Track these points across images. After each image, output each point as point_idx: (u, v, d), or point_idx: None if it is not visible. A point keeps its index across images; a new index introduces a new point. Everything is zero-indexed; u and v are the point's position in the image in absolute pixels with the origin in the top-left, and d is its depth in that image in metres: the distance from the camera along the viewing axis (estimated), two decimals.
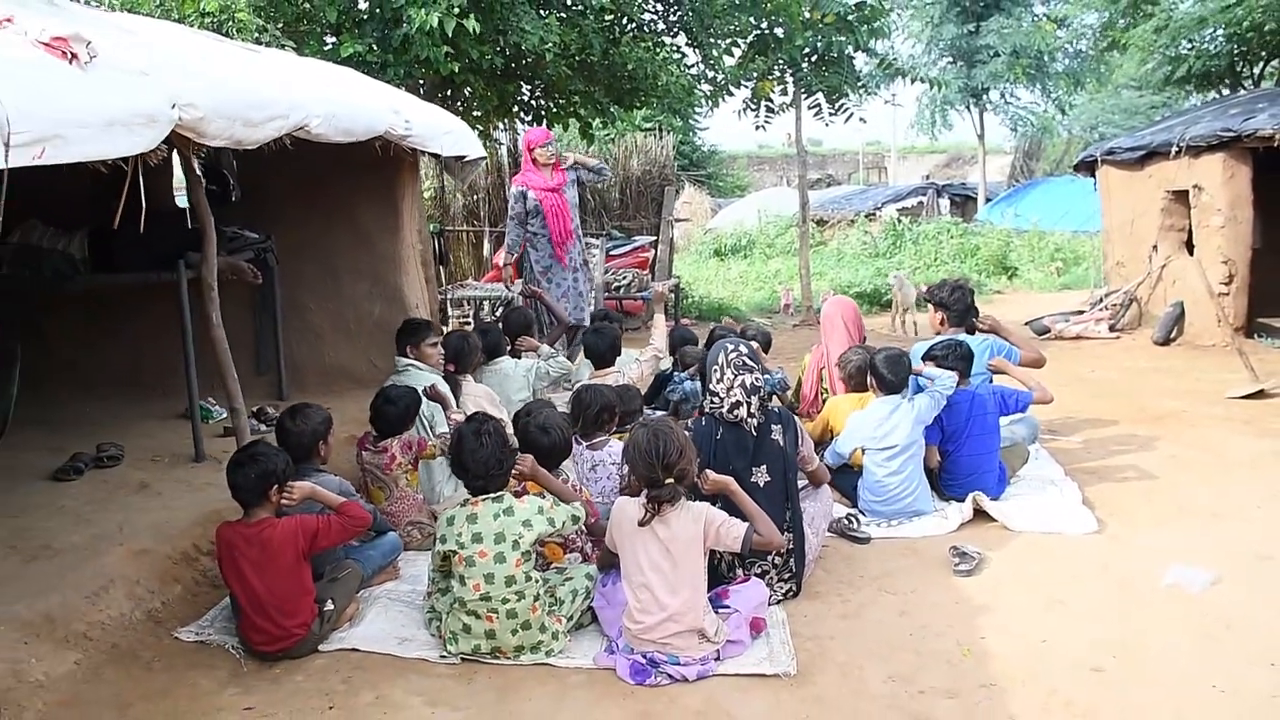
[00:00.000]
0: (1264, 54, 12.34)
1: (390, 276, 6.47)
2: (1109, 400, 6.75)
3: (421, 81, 7.84)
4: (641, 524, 3.17)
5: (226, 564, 3.33)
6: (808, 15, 10.11)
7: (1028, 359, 5.31)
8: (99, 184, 3.17)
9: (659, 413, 4.92)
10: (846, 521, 4.37)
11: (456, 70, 7.34)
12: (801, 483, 3.89)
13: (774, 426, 3.68)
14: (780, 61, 10.63)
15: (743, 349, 3.72)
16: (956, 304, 5.32)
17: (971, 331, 5.32)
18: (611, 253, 10.82)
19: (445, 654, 3.29)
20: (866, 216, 20.58)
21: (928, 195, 22.77)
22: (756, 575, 3.57)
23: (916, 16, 22.61)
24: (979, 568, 3.93)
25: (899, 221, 18.96)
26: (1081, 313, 10.04)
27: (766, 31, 10.33)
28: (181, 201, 6.25)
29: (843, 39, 10.40)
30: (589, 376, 5.32)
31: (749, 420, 3.63)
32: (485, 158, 7.23)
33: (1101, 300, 10.05)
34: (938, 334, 5.36)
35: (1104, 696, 2.94)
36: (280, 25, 7.49)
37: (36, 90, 2.58)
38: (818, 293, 11.85)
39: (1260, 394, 6.55)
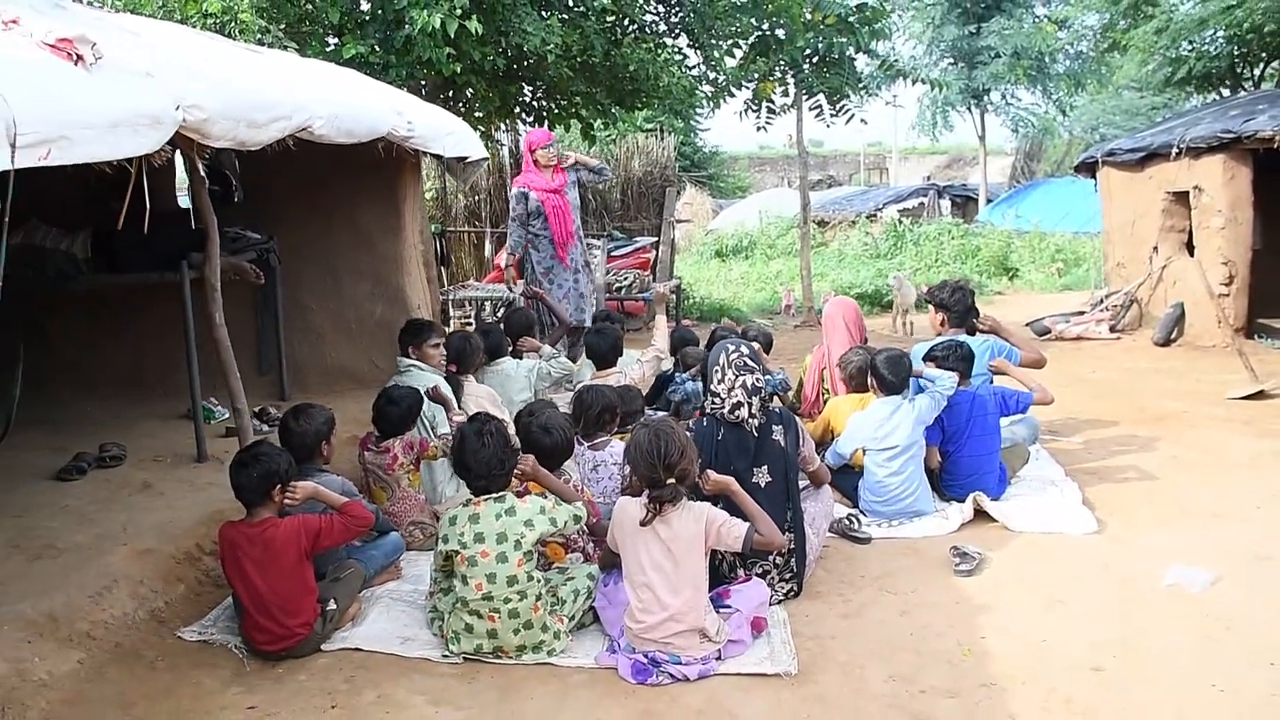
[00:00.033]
0: (1264, 55, 12.36)
1: (392, 277, 6.48)
2: (1109, 401, 6.75)
3: (423, 82, 7.86)
4: (643, 524, 3.18)
5: (229, 563, 3.34)
6: (809, 17, 10.13)
7: (1028, 360, 5.32)
8: (101, 184, 3.18)
9: (660, 413, 4.93)
10: (847, 522, 4.37)
11: (458, 71, 7.36)
12: (803, 483, 3.89)
13: (775, 427, 3.69)
14: (781, 63, 10.65)
15: (744, 350, 3.73)
16: (957, 305, 5.33)
17: (972, 332, 5.33)
18: (613, 254, 10.83)
19: (447, 653, 3.30)
20: (868, 217, 20.61)
21: (929, 196, 22.77)
22: (758, 575, 3.57)
23: (917, 18, 22.63)
24: (979, 568, 3.94)
25: (900, 222, 18.97)
26: (1082, 314, 10.05)
27: (768, 33, 10.35)
28: (184, 202, 6.26)
29: (844, 40, 10.42)
30: (591, 377, 5.33)
31: (750, 421, 3.64)
32: (487, 159, 7.24)
33: (1102, 301, 10.06)
34: (938, 335, 5.37)
35: (1104, 696, 2.95)
36: (282, 26, 7.51)
37: (42, 91, 2.60)
38: (819, 294, 11.86)
39: (1260, 395, 6.56)
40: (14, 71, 2.55)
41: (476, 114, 8.91)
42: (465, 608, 3.23)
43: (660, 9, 9.50)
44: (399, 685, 3.14)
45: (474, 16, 6.95)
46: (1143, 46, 12.86)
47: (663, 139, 13.21)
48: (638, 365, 5.43)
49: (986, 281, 14.76)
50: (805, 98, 11.14)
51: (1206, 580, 3.67)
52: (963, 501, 4.56)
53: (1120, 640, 3.28)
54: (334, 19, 7.35)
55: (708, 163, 30.19)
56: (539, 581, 3.30)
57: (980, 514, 4.50)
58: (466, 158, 6.37)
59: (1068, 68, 21.65)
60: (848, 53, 10.62)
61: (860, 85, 11.14)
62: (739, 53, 10.51)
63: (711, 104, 10.55)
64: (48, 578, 3.48)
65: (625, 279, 10.34)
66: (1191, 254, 8.84)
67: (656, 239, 11.68)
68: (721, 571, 3.58)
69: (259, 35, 7.02)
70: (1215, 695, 2.93)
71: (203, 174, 3.89)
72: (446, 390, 4.77)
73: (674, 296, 10.24)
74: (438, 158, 6.22)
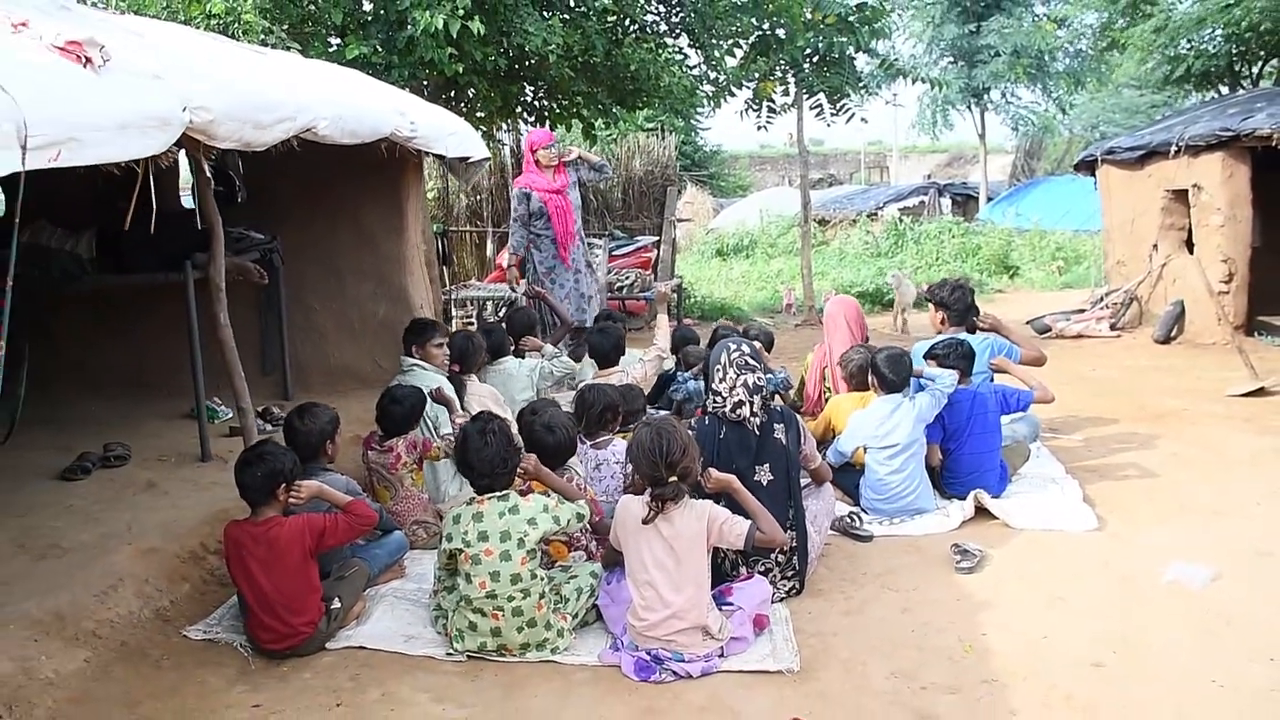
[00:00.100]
0: (1262, 54, 12.38)
1: (394, 277, 6.49)
2: (1110, 398, 6.77)
3: (425, 83, 7.87)
4: (645, 522, 3.20)
5: (234, 562, 3.35)
6: (809, 16, 10.13)
7: (1028, 358, 5.34)
8: (107, 184, 3.20)
9: (662, 412, 4.94)
10: (849, 519, 4.39)
11: (460, 71, 7.37)
12: (804, 481, 3.91)
13: (777, 425, 3.70)
14: (782, 62, 10.65)
15: (745, 349, 3.75)
16: (957, 303, 5.35)
17: (972, 330, 5.35)
18: (614, 253, 10.84)
19: (451, 651, 3.32)
20: (868, 216, 20.60)
21: (929, 195, 22.76)
22: (760, 573, 3.59)
23: (917, 17, 22.60)
24: (980, 565, 3.96)
25: (900, 221, 18.96)
26: (1082, 311, 10.07)
27: (768, 32, 10.36)
28: (188, 202, 6.28)
29: (844, 39, 10.42)
30: (593, 376, 5.34)
31: (752, 419, 3.65)
32: (489, 158, 7.25)
33: (1102, 299, 10.07)
34: (939, 333, 5.39)
35: (1104, 692, 2.97)
36: (286, 27, 7.52)
37: (52, 94, 2.62)
38: (820, 292, 11.87)
39: (1260, 392, 6.57)
40: (24, 74, 2.57)
41: (478, 114, 8.93)
42: (469, 606, 3.25)
43: (661, 9, 9.51)
44: (403, 683, 3.16)
45: (476, 17, 6.97)
46: (1141, 45, 12.88)
47: (664, 138, 13.22)
48: (640, 364, 5.44)
49: (987, 280, 14.76)
50: (805, 97, 11.15)
51: (1207, 577, 3.69)
52: (964, 499, 4.58)
53: (1121, 636, 3.30)
54: (337, 20, 7.37)
55: (709, 162, 30.18)
56: (542, 580, 3.31)
57: (981, 511, 4.52)
58: (468, 158, 6.38)
59: (1067, 66, 21.63)
60: (848, 52, 10.62)
61: (860, 84, 11.15)
62: (739, 52, 10.51)
63: (712, 103, 10.55)
64: (53, 577, 3.50)
65: (627, 278, 10.35)
66: (1191, 252, 8.86)
67: (658, 238, 11.69)
68: (724, 569, 3.60)
69: (262, 36, 7.04)
70: (1215, 691, 2.94)
71: (208, 175, 3.91)
72: (450, 392, 4.78)
73: (675, 296, 10.26)
74: (440, 158, 6.23)
